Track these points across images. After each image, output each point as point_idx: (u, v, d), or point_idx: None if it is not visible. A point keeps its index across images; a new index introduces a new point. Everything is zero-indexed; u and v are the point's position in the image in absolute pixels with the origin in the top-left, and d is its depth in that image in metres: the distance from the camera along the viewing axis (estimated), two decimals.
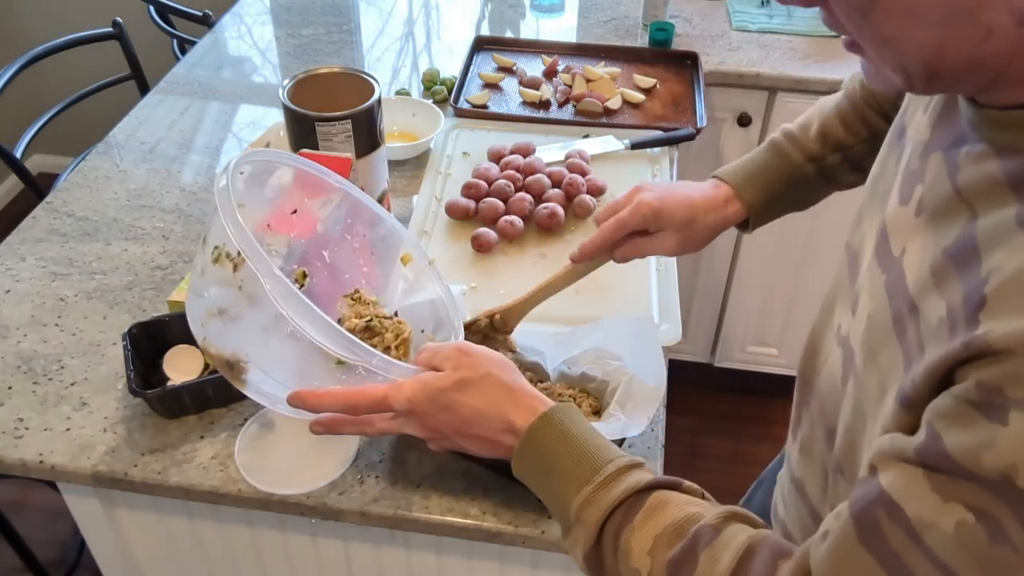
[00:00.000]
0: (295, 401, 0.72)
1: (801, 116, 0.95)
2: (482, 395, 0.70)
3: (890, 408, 0.55)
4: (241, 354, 0.73)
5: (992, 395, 0.46)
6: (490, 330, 0.94)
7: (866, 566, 0.51)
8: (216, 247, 0.71)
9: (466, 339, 0.82)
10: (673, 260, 1.17)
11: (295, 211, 0.86)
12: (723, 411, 2.21)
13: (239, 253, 0.68)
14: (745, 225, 0.94)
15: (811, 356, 0.78)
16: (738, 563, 0.57)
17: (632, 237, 0.92)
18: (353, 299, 0.88)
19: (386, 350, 0.83)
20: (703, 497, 0.66)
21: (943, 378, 0.50)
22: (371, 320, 0.84)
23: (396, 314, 0.88)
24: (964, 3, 0.47)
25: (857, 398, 0.64)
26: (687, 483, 0.66)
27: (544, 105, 1.53)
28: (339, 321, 0.85)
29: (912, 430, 0.52)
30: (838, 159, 0.91)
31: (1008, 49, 0.48)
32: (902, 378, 0.55)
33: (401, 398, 0.70)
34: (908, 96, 0.70)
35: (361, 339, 0.75)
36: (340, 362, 0.71)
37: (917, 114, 0.65)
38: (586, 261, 0.94)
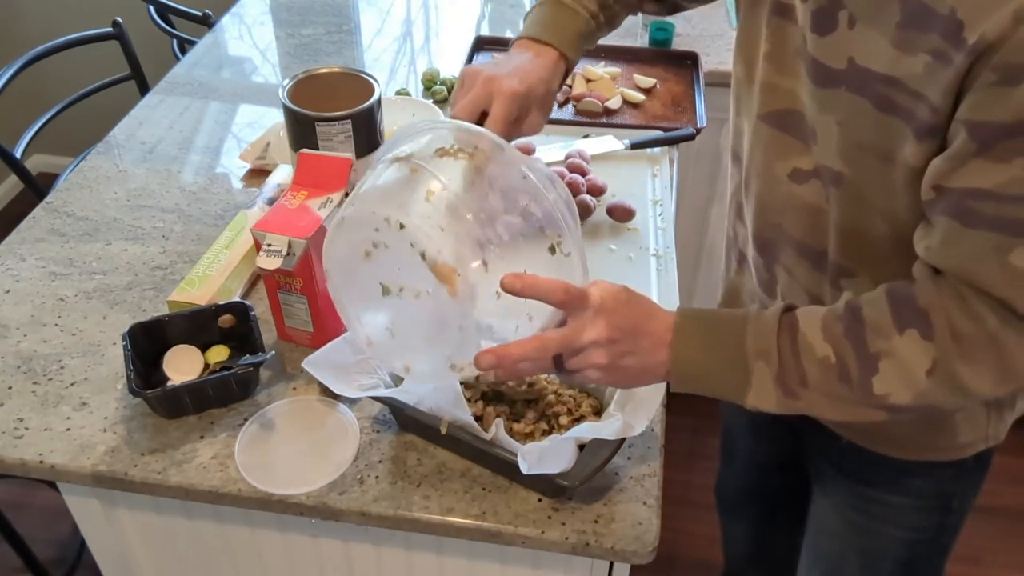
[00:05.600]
0: (487, 361, 0.74)
1: None
2: (644, 298, 0.80)
3: (912, 152, 0.71)
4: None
5: (1005, 68, 0.61)
6: None
7: (979, 237, 0.67)
8: (444, 147, 0.77)
9: None
10: (673, 260, 1.17)
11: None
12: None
13: (476, 147, 0.76)
14: None
15: (763, 225, 0.91)
16: (890, 301, 0.73)
17: None
18: None
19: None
20: None
21: (959, 90, 0.65)
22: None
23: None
24: None
25: (848, 195, 0.79)
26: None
27: None
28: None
29: (938, 154, 0.68)
30: (603, 18, 1.04)
31: None
32: (908, 128, 0.70)
33: (594, 293, 0.75)
34: None
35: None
36: (552, 248, 0.76)
37: None
38: None
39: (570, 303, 0.75)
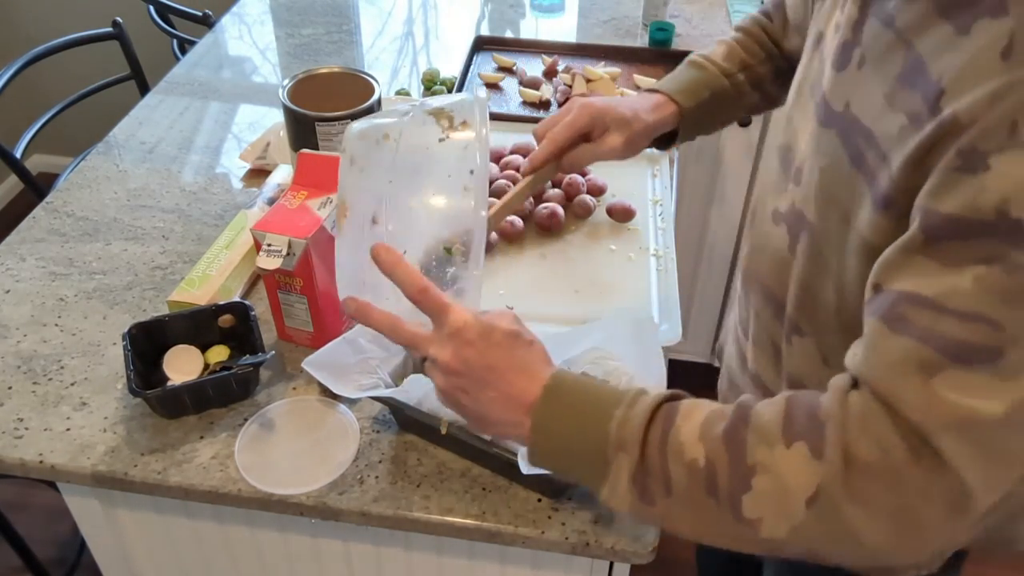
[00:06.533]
0: (349, 307, 0.72)
1: (706, 50, 1.10)
2: (529, 352, 0.70)
3: (867, 220, 0.65)
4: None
5: (970, 155, 0.54)
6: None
7: (905, 346, 0.57)
8: (442, 108, 0.75)
9: None
10: (673, 260, 1.16)
11: None
12: None
13: (464, 122, 0.74)
14: (671, 140, 1.04)
15: (747, 260, 0.89)
16: (786, 407, 0.62)
17: (578, 144, 0.96)
18: None
19: None
20: None
21: (919, 162, 0.59)
22: None
23: None
24: None
25: (813, 249, 0.75)
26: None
27: (544, 105, 1.53)
28: None
29: (893, 233, 0.61)
30: (743, 77, 1.05)
31: None
32: (869, 193, 0.65)
33: (457, 314, 0.69)
34: (815, 10, 0.83)
35: None
36: (448, 249, 0.72)
37: (835, 13, 0.76)
38: (537, 172, 0.96)
39: (425, 306, 0.70)
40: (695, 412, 0.65)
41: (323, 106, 1.09)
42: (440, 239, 0.72)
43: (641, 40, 1.78)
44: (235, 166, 1.38)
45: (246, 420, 0.95)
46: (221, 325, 1.01)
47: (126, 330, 0.97)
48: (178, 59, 1.83)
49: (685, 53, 1.66)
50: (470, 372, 0.69)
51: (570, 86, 1.56)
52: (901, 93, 0.62)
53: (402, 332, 0.72)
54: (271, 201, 1.19)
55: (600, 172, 1.31)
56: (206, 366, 0.99)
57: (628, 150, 0.97)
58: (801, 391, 0.64)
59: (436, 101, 0.77)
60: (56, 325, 1.08)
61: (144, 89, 1.88)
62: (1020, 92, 0.53)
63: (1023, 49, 0.54)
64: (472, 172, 0.70)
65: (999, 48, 0.55)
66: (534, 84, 1.56)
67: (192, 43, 1.84)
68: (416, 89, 1.59)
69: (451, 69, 1.63)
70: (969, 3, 0.58)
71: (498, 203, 0.93)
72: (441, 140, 0.73)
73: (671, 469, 0.63)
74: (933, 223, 0.56)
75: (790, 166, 0.80)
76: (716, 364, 2.12)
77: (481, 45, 1.71)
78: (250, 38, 1.80)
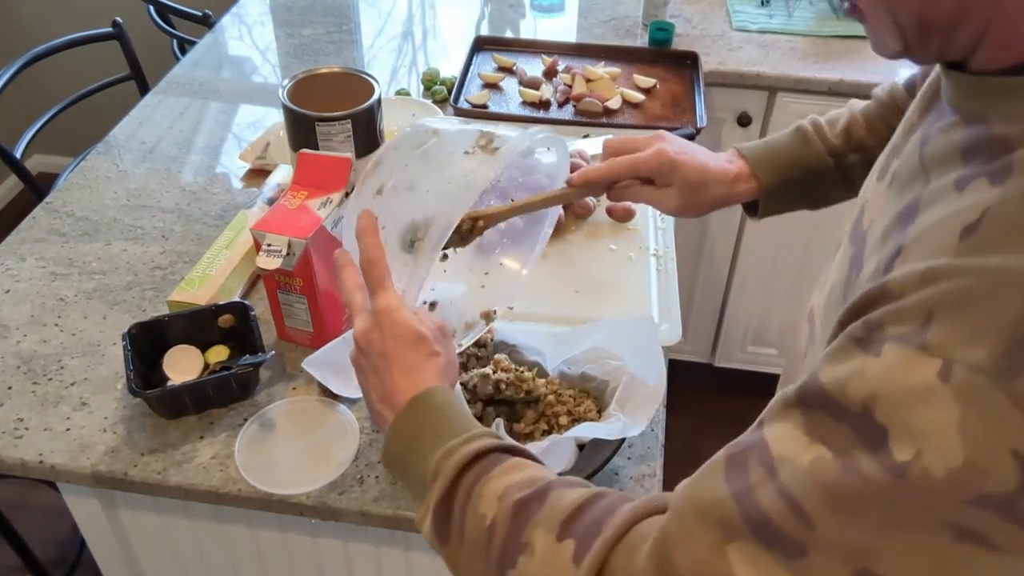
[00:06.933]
0: (338, 259, 0.76)
1: (832, 112, 0.96)
2: (426, 360, 0.70)
3: None
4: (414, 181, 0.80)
5: (873, 331, 0.47)
6: (467, 232, 0.88)
7: (719, 495, 0.51)
8: (492, 131, 0.80)
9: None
10: (673, 260, 1.16)
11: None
12: (723, 411, 2.21)
13: (497, 148, 0.78)
14: (754, 209, 0.94)
15: (788, 342, 0.81)
16: (585, 500, 0.58)
17: (636, 181, 0.91)
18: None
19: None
20: None
21: (846, 322, 0.51)
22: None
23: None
24: None
25: (811, 368, 0.66)
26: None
27: (544, 105, 1.53)
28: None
29: None
30: (857, 159, 0.91)
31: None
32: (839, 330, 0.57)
33: (386, 298, 0.71)
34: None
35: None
36: (412, 241, 0.75)
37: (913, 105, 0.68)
38: (583, 188, 0.92)
39: (367, 278, 0.72)
40: (515, 471, 0.62)
41: (323, 106, 1.09)
42: (412, 230, 0.75)
43: (641, 40, 1.78)
44: (235, 166, 1.38)
45: (246, 420, 0.95)
46: (221, 325, 1.01)
47: (126, 330, 0.97)
48: (178, 59, 1.83)
49: (685, 53, 1.67)
50: (368, 353, 0.71)
51: (570, 86, 1.56)
52: (892, 233, 0.54)
53: (352, 297, 0.74)
54: (271, 201, 1.19)
55: None
56: (206, 366, 0.99)
57: (681, 212, 0.92)
58: (619, 493, 0.60)
59: (500, 128, 0.81)
60: (56, 325, 1.08)
61: (144, 89, 1.88)
62: (953, 282, 0.44)
63: (986, 234, 0.45)
64: (469, 188, 0.73)
65: (964, 223, 0.46)
66: (534, 84, 1.56)
67: (192, 43, 1.84)
68: (416, 89, 1.59)
69: (451, 69, 1.63)
70: (988, 155, 0.49)
71: (530, 198, 0.91)
72: (467, 153, 0.77)
73: (467, 518, 0.61)
74: (810, 385, 0.50)
75: (829, 264, 0.73)
76: (716, 364, 2.13)
77: (481, 45, 1.71)
78: (250, 38, 1.80)
